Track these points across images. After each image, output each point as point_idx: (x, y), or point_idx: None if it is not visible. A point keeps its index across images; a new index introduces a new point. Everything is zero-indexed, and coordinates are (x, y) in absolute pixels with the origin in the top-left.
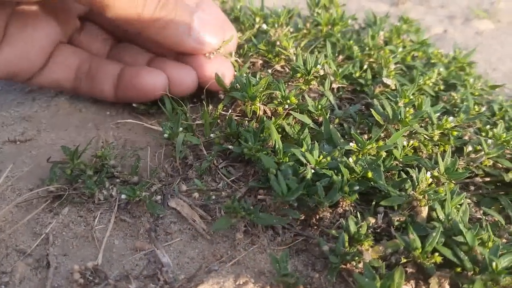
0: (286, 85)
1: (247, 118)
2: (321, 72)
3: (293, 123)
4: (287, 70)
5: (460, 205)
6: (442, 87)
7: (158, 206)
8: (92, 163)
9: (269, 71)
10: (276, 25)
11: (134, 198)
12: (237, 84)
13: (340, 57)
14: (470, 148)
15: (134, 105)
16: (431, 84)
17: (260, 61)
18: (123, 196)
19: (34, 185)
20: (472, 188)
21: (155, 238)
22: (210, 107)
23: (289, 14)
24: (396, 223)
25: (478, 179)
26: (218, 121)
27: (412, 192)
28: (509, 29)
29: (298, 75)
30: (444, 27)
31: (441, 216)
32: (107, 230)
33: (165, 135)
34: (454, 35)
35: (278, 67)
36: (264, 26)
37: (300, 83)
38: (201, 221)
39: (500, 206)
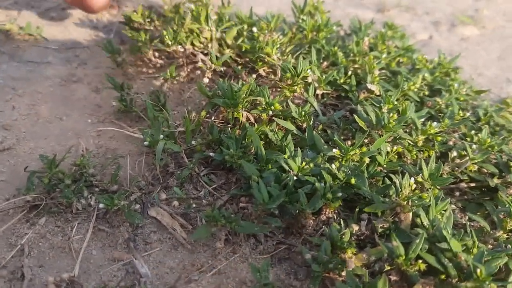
0: (270, 91)
1: (229, 125)
2: (309, 79)
3: (276, 130)
4: (272, 76)
5: (445, 211)
6: (426, 93)
7: (137, 215)
8: (70, 172)
9: (253, 76)
10: (266, 31)
11: (113, 207)
12: (219, 91)
13: (325, 63)
14: (454, 154)
15: (114, 103)
16: (415, 90)
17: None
18: (101, 205)
19: (10, 195)
20: (457, 193)
21: (134, 248)
22: (193, 113)
23: (277, 21)
24: (380, 230)
25: (463, 184)
26: (201, 127)
27: (396, 198)
28: (493, 35)
29: (288, 75)
30: (430, 33)
31: (425, 222)
32: (84, 240)
33: (146, 143)
34: (440, 41)
35: (262, 72)
36: (254, 30)
37: (286, 87)
38: (182, 230)
39: (486, 212)
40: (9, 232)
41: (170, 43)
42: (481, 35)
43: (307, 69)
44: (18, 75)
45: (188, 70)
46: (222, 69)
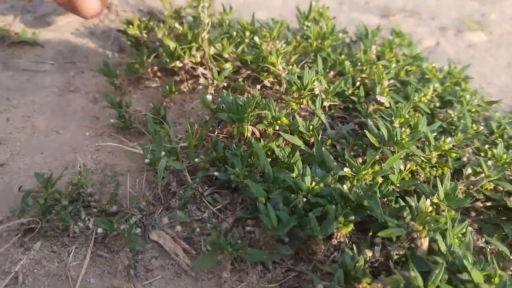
0: (276, 103)
1: (234, 140)
2: (316, 91)
3: (283, 145)
4: (277, 86)
5: (462, 234)
6: (437, 104)
7: (138, 240)
8: (67, 191)
9: (258, 86)
10: (269, 39)
11: (112, 232)
12: (223, 105)
13: (331, 73)
14: (469, 171)
15: (112, 120)
16: (426, 101)
17: (249, 72)
18: (99, 230)
19: (4, 217)
20: (473, 213)
21: (134, 275)
22: (195, 126)
23: (281, 28)
24: (395, 257)
25: (479, 204)
26: (204, 142)
27: (412, 223)
28: (501, 41)
29: (293, 88)
30: (436, 39)
31: (443, 248)
32: (82, 267)
33: (147, 160)
34: (446, 47)
35: (267, 82)
36: (256, 39)
37: (292, 100)
38: (185, 256)
39: (503, 233)
40: (2, 257)
41: (167, 60)
42: (488, 41)
43: (314, 81)
44: (13, 85)
45: (189, 84)
46: (225, 84)
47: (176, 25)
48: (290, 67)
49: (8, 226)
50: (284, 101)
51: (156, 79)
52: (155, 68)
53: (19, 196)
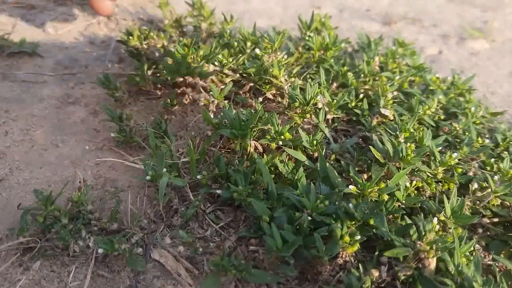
0: (278, 116)
1: (236, 156)
2: (319, 105)
3: (286, 160)
4: (279, 99)
5: (470, 253)
6: (442, 116)
7: (139, 261)
8: (67, 209)
9: (260, 99)
10: (270, 51)
11: (113, 252)
12: (225, 120)
13: (334, 84)
14: (475, 186)
15: (112, 134)
16: (430, 114)
17: (251, 85)
18: (100, 250)
19: (3, 235)
20: (480, 230)
21: None
22: (197, 139)
23: (282, 39)
24: (402, 277)
25: (485, 220)
26: (206, 157)
27: (419, 242)
28: (504, 48)
29: (296, 104)
30: (439, 47)
31: (451, 268)
32: (83, 287)
33: (148, 177)
34: (449, 56)
35: (269, 95)
36: (257, 51)
37: (296, 115)
38: (187, 275)
39: (511, 250)
40: (1, 277)
41: (168, 78)
42: (491, 49)
43: (317, 95)
44: (12, 96)
45: (190, 96)
46: (225, 98)
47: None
48: (293, 79)
49: (7, 245)
50: (287, 114)
51: (157, 91)
52: (156, 80)
53: (18, 213)
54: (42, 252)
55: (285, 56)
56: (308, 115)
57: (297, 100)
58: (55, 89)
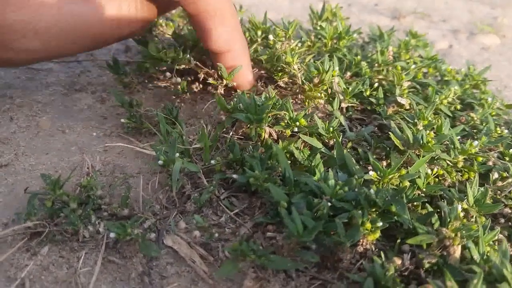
0: (292, 102)
1: (250, 142)
2: (335, 87)
3: (301, 147)
4: (291, 87)
5: (494, 241)
6: (458, 107)
7: (152, 246)
8: (76, 194)
9: (272, 86)
10: (283, 38)
11: (125, 237)
12: (240, 104)
13: (348, 73)
14: (496, 175)
15: (122, 120)
16: (447, 104)
17: (262, 72)
18: (112, 235)
19: (9, 220)
20: (502, 220)
21: (149, 283)
22: (209, 127)
23: (295, 27)
24: (427, 265)
25: (507, 210)
26: (218, 144)
27: (444, 229)
28: None
29: (314, 72)
30: (449, 42)
31: (475, 256)
32: (93, 273)
33: (160, 162)
34: (460, 50)
35: (281, 83)
36: (271, 37)
37: (311, 94)
38: (202, 262)
39: None
40: (7, 263)
41: (176, 67)
42: (502, 44)
43: (332, 73)
44: (16, 83)
45: (200, 85)
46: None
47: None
48: (306, 67)
49: (13, 230)
50: (299, 102)
51: (166, 79)
52: (165, 68)
53: (24, 198)
54: (51, 237)
55: (299, 44)
56: (322, 96)
57: (315, 70)
58: (61, 77)
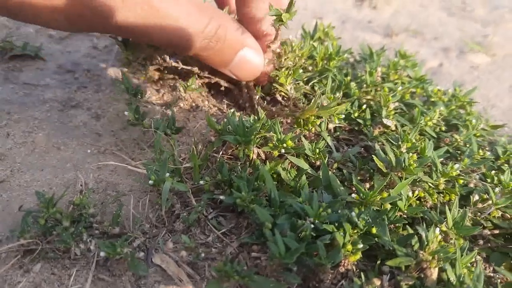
0: (285, 121)
1: (239, 162)
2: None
3: (288, 167)
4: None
5: (471, 263)
6: (443, 128)
7: (141, 265)
8: (68, 212)
9: (265, 101)
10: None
11: (115, 256)
12: (229, 126)
13: (337, 94)
14: (476, 197)
15: (126, 113)
16: (432, 125)
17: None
18: (102, 254)
19: (3, 237)
20: (480, 241)
21: None
22: (199, 146)
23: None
24: (404, 287)
25: (486, 231)
26: (208, 163)
27: (422, 252)
28: (504, 63)
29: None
30: (439, 60)
31: (452, 278)
32: None
33: (150, 182)
34: (450, 69)
35: (278, 96)
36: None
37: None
38: (189, 281)
39: (511, 262)
40: (1, 279)
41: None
42: (492, 62)
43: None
44: (13, 98)
45: (192, 102)
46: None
47: None
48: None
49: (7, 247)
50: (294, 117)
51: (160, 93)
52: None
53: (18, 215)
54: (43, 255)
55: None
56: (311, 126)
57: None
58: (58, 93)
